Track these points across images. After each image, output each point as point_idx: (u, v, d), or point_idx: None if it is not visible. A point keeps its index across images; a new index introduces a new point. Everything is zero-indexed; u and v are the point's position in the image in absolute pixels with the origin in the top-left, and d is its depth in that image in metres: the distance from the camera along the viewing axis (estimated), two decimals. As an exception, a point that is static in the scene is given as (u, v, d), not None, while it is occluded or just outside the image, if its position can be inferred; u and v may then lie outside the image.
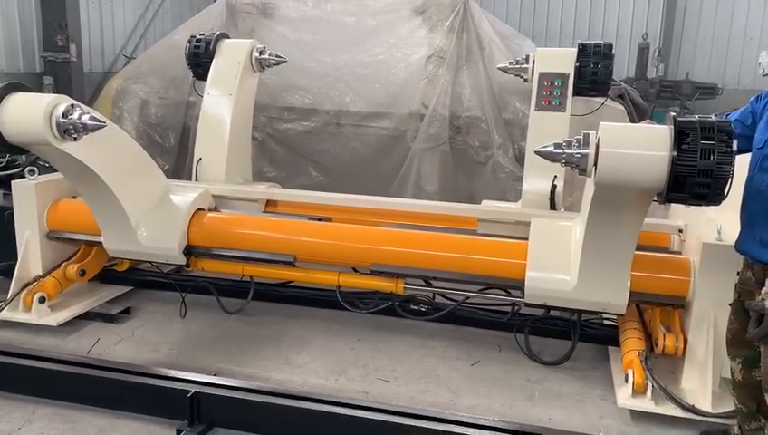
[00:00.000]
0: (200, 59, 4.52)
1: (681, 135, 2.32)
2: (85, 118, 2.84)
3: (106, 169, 3.18)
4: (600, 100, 4.25)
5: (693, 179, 2.30)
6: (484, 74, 5.33)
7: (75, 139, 2.87)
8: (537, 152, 2.65)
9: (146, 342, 3.59)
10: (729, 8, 11.54)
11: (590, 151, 2.48)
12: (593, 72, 3.92)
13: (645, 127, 2.70)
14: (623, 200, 2.64)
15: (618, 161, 2.41)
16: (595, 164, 2.44)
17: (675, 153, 2.30)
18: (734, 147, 2.25)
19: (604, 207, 2.71)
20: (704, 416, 2.83)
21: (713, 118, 2.37)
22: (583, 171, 2.54)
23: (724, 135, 2.27)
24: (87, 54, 8.15)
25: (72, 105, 2.85)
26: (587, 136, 2.52)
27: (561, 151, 2.56)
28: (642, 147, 2.41)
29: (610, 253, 2.89)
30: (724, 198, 2.33)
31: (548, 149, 2.60)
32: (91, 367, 3.02)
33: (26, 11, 7.32)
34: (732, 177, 2.26)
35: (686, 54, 11.96)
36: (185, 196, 3.66)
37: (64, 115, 2.81)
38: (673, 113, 2.49)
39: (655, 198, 2.49)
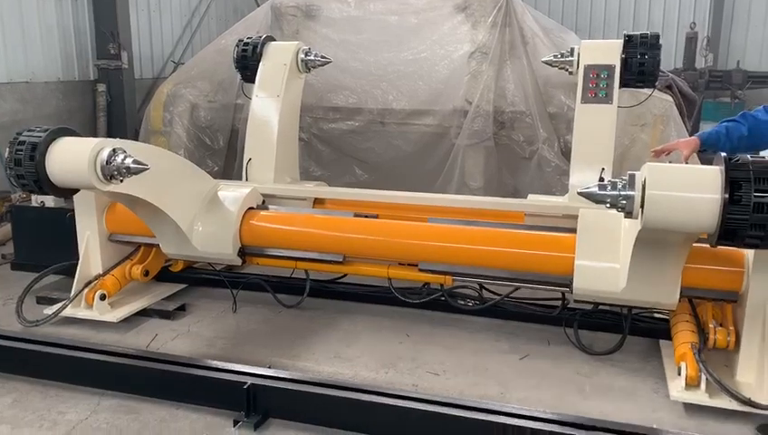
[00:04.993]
0: (248, 62, 4.63)
1: (733, 185, 2.25)
2: (128, 161, 2.91)
3: (153, 192, 3.25)
4: (648, 91, 4.20)
5: (744, 232, 2.25)
6: (528, 69, 5.32)
7: (120, 181, 2.95)
8: (580, 193, 2.58)
9: (202, 337, 3.71)
10: (782, -7, 11.15)
11: (636, 193, 2.41)
12: (640, 63, 3.88)
13: (693, 167, 2.63)
14: (670, 239, 2.59)
15: (666, 204, 2.34)
16: (642, 206, 2.37)
17: (726, 196, 2.24)
18: None
19: (651, 243, 2.65)
20: (761, 409, 2.78)
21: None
22: (629, 214, 2.46)
23: None
24: (137, 61, 8.39)
25: (115, 150, 2.91)
26: (632, 177, 2.45)
27: (605, 193, 2.49)
28: (691, 189, 2.33)
29: (659, 266, 2.84)
30: None
31: (591, 190, 2.53)
32: (153, 360, 3.13)
33: (81, 21, 7.59)
34: None
35: (736, 42, 11.57)
36: (234, 196, 3.72)
37: (108, 161, 2.88)
38: (723, 153, 2.38)
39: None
